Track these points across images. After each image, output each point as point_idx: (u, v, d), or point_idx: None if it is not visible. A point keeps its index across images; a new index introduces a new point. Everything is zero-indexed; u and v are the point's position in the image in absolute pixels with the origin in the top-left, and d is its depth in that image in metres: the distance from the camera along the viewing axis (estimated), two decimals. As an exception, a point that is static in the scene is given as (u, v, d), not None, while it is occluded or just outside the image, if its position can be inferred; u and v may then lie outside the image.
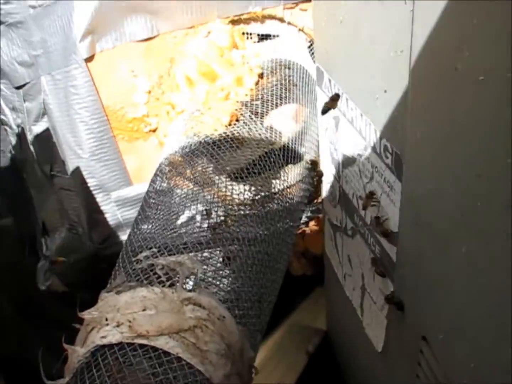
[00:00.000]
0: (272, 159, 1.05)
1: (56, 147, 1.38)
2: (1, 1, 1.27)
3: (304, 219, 1.48)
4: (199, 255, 0.82)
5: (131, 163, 1.37)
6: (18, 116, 1.44)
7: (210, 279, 0.79)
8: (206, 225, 0.90)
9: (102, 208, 1.38)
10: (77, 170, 1.34)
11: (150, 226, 0.93)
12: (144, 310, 0.70)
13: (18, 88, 1.38)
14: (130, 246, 0.91)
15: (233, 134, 1.04)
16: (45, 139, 1.39)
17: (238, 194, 0.98)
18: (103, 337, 0.69)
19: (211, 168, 0.98)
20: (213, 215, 0.92)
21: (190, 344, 0.68)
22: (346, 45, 0.85)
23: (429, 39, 0.55)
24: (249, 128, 1.05)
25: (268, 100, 1.14)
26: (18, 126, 1.46)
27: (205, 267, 0.80)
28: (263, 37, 1.34)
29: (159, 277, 0.76)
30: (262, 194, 1.02)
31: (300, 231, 1.48)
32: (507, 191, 0.45)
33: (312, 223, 1.46)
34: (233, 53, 1.22)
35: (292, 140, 1.16)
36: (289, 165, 1.13)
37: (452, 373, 0.67)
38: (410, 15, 0.58)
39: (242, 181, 1.00)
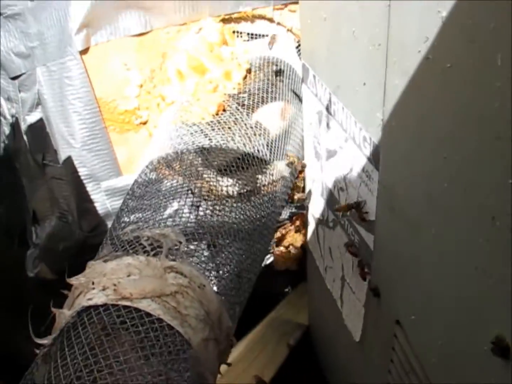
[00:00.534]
0: (258, 155, 1.09)
1: (49, 137, 1.41)
2: (1, -7, 1.31)
3: (288, 215, 1.52)
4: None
5: (122, 154, 1.41)
6: (12, 106, 1.47)
7: (192, 252, 0.83)
8: (193, 217, 0.93)
9: (92, 197, 1.42)
10: (68, 160, 1.38)
11: (138, 216, 0.96)
12: (128, 276, 0.74)
13: (14, 78, 1.41)
14: (117, 223, 0.95)
15: (219, 122, 1.08)
16: (39, 129, 1.42)
17: (225, 187, 1.01)
18: (89, 299, 0.72)
19: (199, 162, 1.02)
20: (201, 208, 0.96)
21: (171, 308, 0.72)
22: (329, 41, 0.90)
23: (404, 31, 0.59)
24: (235, 118, 1.10)
25: (254, 93, 1.18)
26: (12, 116, 1.49)
27: (188, 238, 0.83)
28: (253, 37, 1.39)
29: (144, 247, 0.80)
30: (248, 188, 1.06)
31: (284, 227, 1.52)
32: (471, 172, 0.50)
33: (295, 218, 1.50)
34: (223, 49, 1.26)
35: (278, 137, 1.20)
36: (275, 161, 1.17)
37: (423, 353, 0.72)
38: (387, 9, 0.63)
39: (229, 175, 1.04)
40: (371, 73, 0.73)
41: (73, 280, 0.77)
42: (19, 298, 1.69)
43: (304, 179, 1.29)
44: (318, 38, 0.97)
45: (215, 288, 0.80)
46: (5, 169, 1.61)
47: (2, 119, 1.53)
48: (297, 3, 1.32)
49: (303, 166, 1.21)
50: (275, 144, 1.17)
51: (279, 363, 1.46)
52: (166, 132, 1.14)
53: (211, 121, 1.08)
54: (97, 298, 0.72)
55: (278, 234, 1.51)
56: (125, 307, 0.71)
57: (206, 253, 0.83)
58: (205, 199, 0.96)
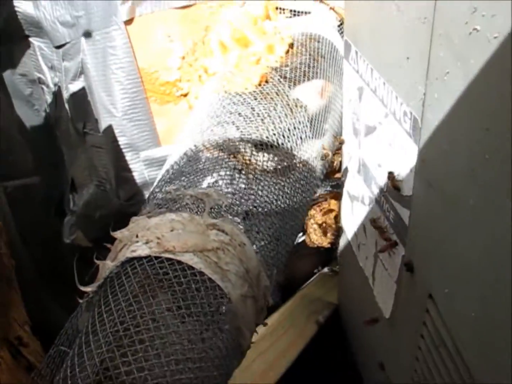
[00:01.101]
0: (296, 131, 1.09)
1: (90, 106, 1.44)
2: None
3: (323, 192, 1.53)
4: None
5: (161, 125, 1.42)
6: (55, 75, 1.50)
7: (234, 211, 0.84)
8: (230, 191, 0.94)
9: (130, 166, 1.44)
10: (109, 128, 1.40)
11: (177, 183, 0.97)
12: (172, 230, 0.76)
13: (58, 47, 1.44)
14: (157, 187, 0.97)
15: (262, 93, 1.09)
16: (81, 97, 1.45)
17: (261, 162, 1.02)
18: (133, 251, 0.74)
19: (237, 136, 1.03)
20: (236, 181, 0.97)
21: (212, 263, 0.73)
22: (373, 17, 0.91)
23: (452, 3, 0.60)
24: (278, 90, 1.10)
25: (296, 67, 1.19)
26: (55, 84, 1.52)
27: (230, 200, 0.85)
28: (295, 14, 1.39)
29: (187, 204, 0.81)
30: (285, 164, 1.07)
31: (318, 204, 1.53)
32: (509, 144, 0.50)
33: (331, 197, 1.51)
34: (266, 23, 1.27)
35: (316, 115, 1.21)
36: (312, 139, 1.17)
37: (454, 326, 0.72)
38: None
39: (266, 150, 1.04)
40: (415, 47, 0.73)
41: (117, 234, 0.79)
42: (54, 268, 1.73)
43: (341, 157, 1.29)
44: (361, 14, 0.97)
45: (254, 248, 0.81)
46: (46, 138, 1.64)
47: (45, 87, 1.56)
48: (341, -20, 1.33)
49: (341, 142, 1.22)
50: (313, 122, 1.18)
51: (307, 339, 1.47)
52: (207, 101, 1.15)
53: (254, 91, 1.09)
54: (141, 250, 0.74)
55: (312, 212, 1.52)
56: (167, 259, 0.73)
57: (241, 225, 0.84)
58: (244, 173, 0.97)
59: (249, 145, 1.01)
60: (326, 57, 1.28)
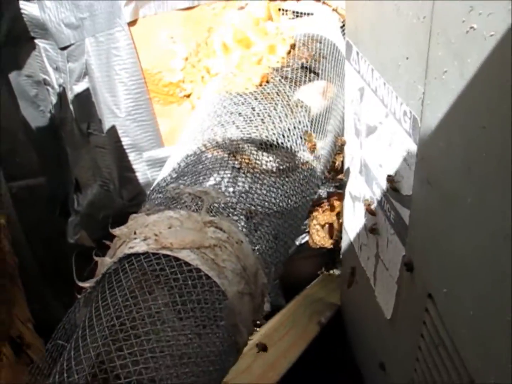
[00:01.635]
0: (296, 131, 1.10)
1: (94, 106, 1.45)
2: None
3: (326, 194, 1.53)
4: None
5: (164, 126, 1.43)
6: (60, 76, 1.51)
7: (232, 209, 0.85)
8: (232, 190, 0.95)
9: (133, 166, 1.45)
10: (112, 129, 1.41)
11: (179, 181, 0.98)
12: (170, 227, 0.77)
13: (63, 49, 1.45)
14: (157, 185, 0.98)
15: (262, 93, 1.09)
16: (85, 98, 1.46)
17: (264, 162, 1.03)
18: (131, 247, 0.75)
19: (240, 136, 1.03)
20: (240, 181, 0.97)
21: (209, 259, 0.74)
22: (373, 18, 0.91)
23: (449, 2, 0.60)
24: (278, 90, 1.11)
25: (298, 68, 1.19)
26: (60, 85, 1.53)
27: (228, 198, 0.85)
28: (298, 15, 1.40)
29: (185, 202, 0.82)
30: (287, 164, 1.07)
31: (321, 205, 1.53)
32: (509, 141, 0.51)
33: (333, 198, 1.51)
34: (268, 24, 1.28)
35: (318, 116, 1.21)
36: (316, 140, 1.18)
37: (453, 325, 0.72)
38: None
39: (269, 151, 1.05)
40: (414, 46, 0.73)
41: (116, 231, 0.80)
42: (58, 267, 1.73)
43: (343, 158, 1.30)
44: (362, 15, 0.98)
45: (252, 246, 0.81)
46: (51, 138, 1.65)
47: (50, 88, 1.57)
48: (343, -18, 1.33)
49: (343, 143, 1.22)
50: (315, 122, 1.18)
51: (309, 340, 1.47)
52: (209, 101, 1.16)
53: (255, 91, 1.10)
54: (139, 246, 0.74)
55: (315, 213, 1.52)
56: (165, 256, 0.73)
57: (245, 224, 0.85)
58: (244, 173, 0.97)
59: (249, 144, 1.01)
60: (328, 58, 1.28)
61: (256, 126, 1.01)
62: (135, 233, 0.76)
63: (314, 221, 1.52)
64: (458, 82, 0.60)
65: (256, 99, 1.08)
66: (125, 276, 0.72)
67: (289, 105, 1.09)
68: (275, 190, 0.98)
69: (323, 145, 1.21)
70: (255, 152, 1.00)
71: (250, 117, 1.03)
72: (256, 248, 0.82)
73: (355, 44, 1.05)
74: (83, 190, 1.57)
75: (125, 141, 1.42)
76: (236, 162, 0.98)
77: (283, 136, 1.04)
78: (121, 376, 0.61)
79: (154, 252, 0.73)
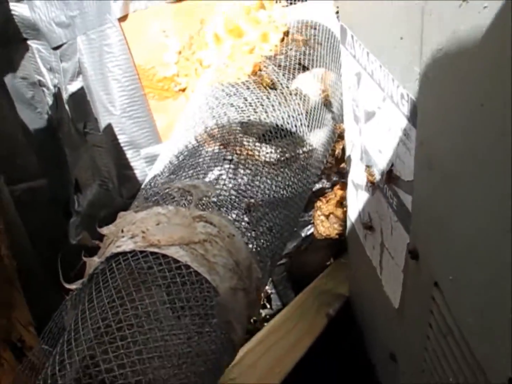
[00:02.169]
0: (291, 120, 1.07)
1: (89, 105, 1.44)
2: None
3: (328, 183, 1.51)
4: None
5: (161, 121, 1.41)
6: (55, 77, 1.50)
7: (223, 201, 0.82)
8: (232, 184, 0.93)
9: (131, 164, 1.43)
10: (109, 127, 1.40)
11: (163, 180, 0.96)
12: (157, 224, 0.75)
13: (55, 48, 1.44)
14: (148, 182, 0.96)
15: (255, 82, 1.07)
16: (80, 97, 1.45)
17: (264, 154, 1.01)
18: (118, 246, 0.73)
19: (238, 128, 1.01)
20: (239, 174, 0.95)
21: (199, 255, 0.72)
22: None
23: None
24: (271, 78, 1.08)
25: (291, 55, 1.17)
26: (54, 86, 1.52)
27: (218, 191, 0.83)
28: (292, 2, 1.37)
29: (174, 198, 0.80)
30: (287, 155, 1.05)
31: (325, 195, 1.51)
32: (507, 117, 0.48)
33: (337, 187, 1.49)
34: (260, 13, 1.25)
35: (318, 104, 1.19)
36: (314, 129, 1.15)
37: (460, 313, 0.70)
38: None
39: (268, 142, 1.03)
40: (408, 25, 0.71)
41: (104, 230, 0.78)
42: (63, 269, 1.73)
43: (344, 146, 1.27)
44: (355, -3, 0.95)
45: (245, 239, 0.79)
46: (49, 140, 1.64)
47: (46, 89, 1.56)
48: (337, -34, 1.30)
49: (342, 131, 1.20)
50: (315, 111, 1.16)
51: (317, 332, 1.45)
52: (201, 94, 1.13)
53: (247, 81, 1.07)
54: (126, 245, 0.72)
55: (319, 203, 1.50)
56: (152, 253, 0.71)
57: (236, 205, 0.82)
58: (236, 165, 0.95)
59: (242, 135, 0.99)
60: (323, 44, 1.26)
61: (248, 116, 0.99)
62: (122, 231, 0.74)
63: (318, 212, 1.50)
64: (453, 60, 0.58)
65: (248, 88, 1.05)
66: (112, 276, 0.70)
67: (282, 93, 1.06)
68: (269, 181, 0.96)
69: (322, 134, 1.19)
70: (246, 143, 0.98)
71: (242, 108, 1.01)
72: (249, 241, 0.80)
73: (350, 28, 1.02)
74: (83, 190, 1.56)
75: (121, 138, 1.40)
76: (228, 154, 0.96)
77: (277, 125, 1.01)
78: (106, 381, 0.59)
79: (141, 250, 0.71)
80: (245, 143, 0.99)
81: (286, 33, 1.23)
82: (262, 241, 0.83)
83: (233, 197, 0.84)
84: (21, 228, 1.57)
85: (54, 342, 0.72)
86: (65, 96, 1.47)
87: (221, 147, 0.98)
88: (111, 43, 1.34)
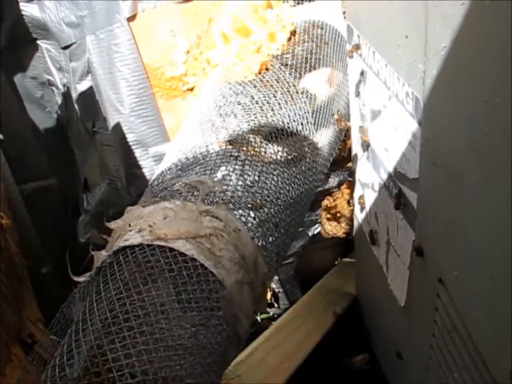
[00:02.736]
0: (297, 117, 1.08)
1: (98, 104, 1.45)
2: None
3: (336, 182, 1.52)
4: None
5: (169, 120, 1.43)
6: (64, 76, 1.51)
7: (229, 197, 0.83)
8: (240, 183, 0.93)
9: (140, 163, 1.44)
10: (117, 126, 1.41)
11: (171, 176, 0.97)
12: (164, 218, 0.76)
13: (65, 48, 1.45)
14: (155, 179, 0.97)
15: (261, 80, 1.08)
16: (89, 97, 1.46)
17: (271, 153, 1.01)
18: (125, 240, 0.74)
19: (245, 127, 1.02)
20: (247, 173, 0.96)
21: (205, 249, 0.73)
22: (372, -1, 0.90)
23: None
24: (278, 77, 1.09)
25: (298, 54, 1.17)
26: (64, 85, 1.53)
27: (225, 187, 0.84)
28: (299, 2, 1.38)
29: (181, 193, 0.81)
30: (294, 154, 1.05)
31: (332, 194, 1.51)
32: (508, 115, 0.49)
33: (343, 186, 1.49)
34: (268, 12, 1.26)
35: (324, 103, 1.19)
36: (321, 128, 1.16)
37: (465, 310, 0.70)
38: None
39: (275, 141, 1.03)
40: (413, 23, 0.72)
41: (112, 224, 0.79)
42: (73, 267, 1.74)
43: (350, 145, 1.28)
44: (361, -4, 0.96)
45: (251, 234, 0.80)
46: (59, 139, 1.66)
47: (55, 89, 1.57)
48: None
49: (348, 129, 1.20)
50: (322, 110, 1.16)
51: (324, 330, 1.45)
52: (208, 93, 1.14)
53: (254, 79, 1.08)
54: (133, 238, 0.73)
55: (326, 202, 1.50)
56: (159, 247, 0.72)
57: (243, 201, 0.83)
58: (242, 162, 0.96)
59: (248, 134, 1.00)
60: (330, 43, 1.26)
61: (254, 114, 1.00)
62: (130, 225, 0.75)
63: (325, 211, 1.51)
64: (457, 57, 0.59)
65: (255, 87, 1.06)
66: (119, 269, 0.71)
67: (289, 91, 1.07)
68: (275, 178, 0.96)
69: (329, 133, 1.19)
70: (253, 141, 0.98)
71: (249, 106, 1.02)
72: (255, 236, 0.80)
73: (356, 27, 1.03)
74: (92, 189, 1.57)
75: (130, 137, 1.42)
76: (234, 152, 0.97)
77: (283, 123, 1.02)
78: (113, 370, 0.60)
79: (148, 243, 0.72)
80: (252, 141, 1.00)
81: (293, 33, 1.24)
82: (268, 237, 0.84)
83: (239, 193, 0.85)
84: (31, 227, 1.58)
85: (62, 333, 0.73)
86: (74, 95, 1.49)
87: (228, 145, 0.99)
88: (120, 43, 1.36)
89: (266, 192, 0.89)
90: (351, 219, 1.46)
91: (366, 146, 1.11)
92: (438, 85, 0.67)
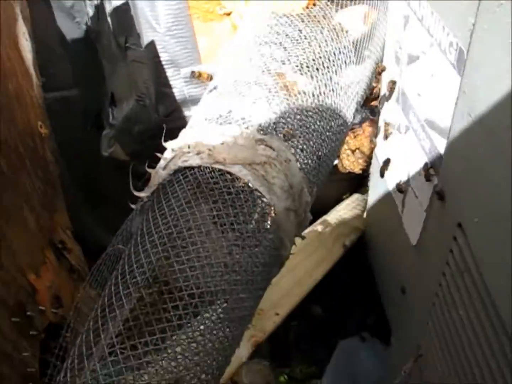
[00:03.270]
0: (341, 56, 1.09)
1: (133, 20, 1.44)
2: None
3: (359, 119, 1.54)
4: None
5: (203, 43, 1.43)
6: (99, -12, 1.50)
7: (280, 128, 0.86)
8: (275, 109, 0.95)
9: (171, 82, 1.45)
10: (151, 44, 1.41)
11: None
12: (222, 143, 0.79)
13: (103, -40, 1.44)
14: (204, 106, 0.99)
15: (309, 15, 1.09)
16: (124, 12, 1.45)
17: (302, 85, 1.03)
18: (185, 160, 0.78)
19: (284, 57, 1.03)
20: (280, 100, 0.97)
21: (260, 176, 0.77)
22: None
23: None
24: (324, 13, 1.10)
25: (343, -10, 1.18)
26: (98, -2, 1.52)
27: (275, 118, 0.87)
28: None
29: (237, 121, 0.84)
30: (326, 89, 1.07)
31: (353, 131, 1.54)
32: None
33: (365, 124, 1.52)
34: None
35: (358, 41, 1.20)
36: (352, 65, 1.18)
37: (481, 253, 0.75)
38: None
39: (308, 74, 1.05)
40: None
41: (170, 143, 0.82)
42: (90, 180, 1.77)
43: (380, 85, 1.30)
44: None
45: (298, 165, 0.84)
46: (86, 51, 1.66)
47: (87, 0, 1.56)
48: None
49: (382, 69, 1.22)
50: (354, 47, 1.18)
51: (333, 261, 1.51)
52: (253, 21, 1.15)
53: (301, 13, 1.09)
54: (192, 160, 0.77)
55: (346, 138, 1.53)
56: (218, 170, 0.76)
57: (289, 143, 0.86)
58: (285, 94, 0.98)
59: (294, 66, 1.02)
60: (373, -18, 1.26)
61: (303, 49, 1.01)
62: (188, 147, 0.79)
63: (345, 146, 1.54)
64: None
65: (302, 21, 1.07)
66: (180, 187, 0.75)
67: (335, 29, 1.08)
68: (317, 111, 0.99)
69: (361, 71, 1.21)
70: (299, 75, 1.00)
71: (297, 39, 1.03)
72: (301, 167, 0.85)
73: (405, -30, 1.03)
74: (119, 104, 1.58)
75: (163, 56, 1.42)
76: (281, 83, 0.99)
77: (329, 60, 1.04)
78: (180, 280, 0.65)
79: (207, 166, 0.76)
80: (288, 71, 1.01)
81: (339, -30, 1.23)
82: (312, 168, 0.88)
83: (289, 125, 0.88)
84: (52, 136, 1.60)
85: (123, 244, 0.78)
86: (108, 8, 1.47)
87: (270, 75, 1.00)
88: (159, -40, 1.35)
89: (312, 125, 0.93)
90: (369, 157, 1.49)
91: (397, 88, 1.12)
92: (486, 41, 0.68)
